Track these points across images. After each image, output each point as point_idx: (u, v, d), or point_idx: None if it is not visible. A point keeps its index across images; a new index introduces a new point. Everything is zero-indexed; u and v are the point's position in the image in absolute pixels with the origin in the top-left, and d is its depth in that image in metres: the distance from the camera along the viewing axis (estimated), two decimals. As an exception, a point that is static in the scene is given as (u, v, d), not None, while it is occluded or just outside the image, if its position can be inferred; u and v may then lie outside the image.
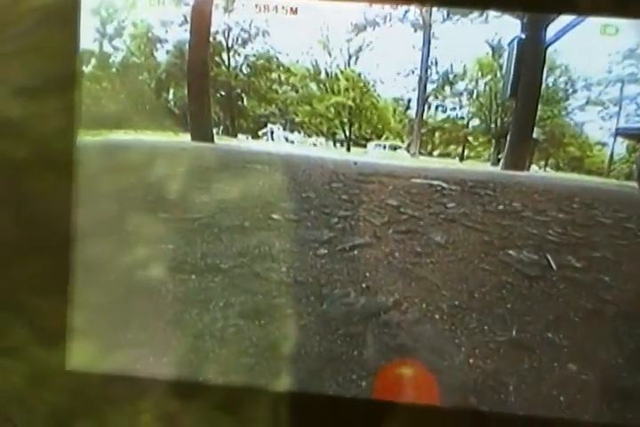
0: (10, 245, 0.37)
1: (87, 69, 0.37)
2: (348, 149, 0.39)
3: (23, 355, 0.38)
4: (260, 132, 0.39)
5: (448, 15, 0.36)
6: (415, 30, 0.36)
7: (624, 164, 0.36)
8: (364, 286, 0.37)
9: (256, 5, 0.36)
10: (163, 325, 0.38)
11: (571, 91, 0.36)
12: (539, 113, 0.36)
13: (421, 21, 0.36)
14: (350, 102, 0.38)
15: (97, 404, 0.38)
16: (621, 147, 0.36)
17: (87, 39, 0.36)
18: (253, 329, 0.36)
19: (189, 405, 0.37)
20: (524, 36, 0.36)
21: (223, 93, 0.39)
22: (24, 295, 0.38)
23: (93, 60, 0.38)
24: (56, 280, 0.37)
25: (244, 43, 0.38)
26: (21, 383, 0.38)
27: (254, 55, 0.38)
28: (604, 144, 0.36)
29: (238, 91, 0.39)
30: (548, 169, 0.38)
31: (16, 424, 0.38)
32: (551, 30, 0.36)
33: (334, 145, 0.39)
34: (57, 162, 0.37)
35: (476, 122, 0.38)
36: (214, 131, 0.39)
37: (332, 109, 0.39)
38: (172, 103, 0.38)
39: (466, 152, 0.38)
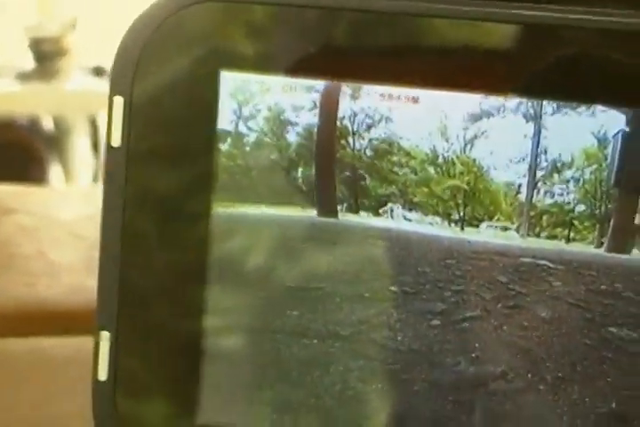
0: (146, 299, 0.50)
1: (223, 147, 0.50)
2: (462, 229, 0.51)
3: (156, 406, 0.54)
4: (380, 210, 0.51)
5: (558, 108, 0.47)
6: (527, 121, 0.48)
7: None
8: (473, 355, 0.49)
9: (380, 94, 0.48)
10: (286, 385, 0.50)
11: None
12: None
13: (532, 113, 0.48)
14: (465, 186, 0.50)
15: None
16: None
17: (224, 120, 0.49)
18: (369, 392, 0.49)
19: None
20: (628, 129, 0.47)
21: (348, 174, 0.51)
22: (157, 346, 0.50)
23: (229, 139, 0.51)
24: (189, 335, 0.50)
25: (369, 128, 0.50)
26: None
27: (377, 139, 0.50)
28: None
29: (361, 172, 0.51)
30: None
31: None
32: None
33: (449, 224, 0.51)
34: (192, 229, 0.53)
35: (581, 207, 0.50)
36: (339, 208, 0.51)
37: (448, 192, 0.51)
38: (300, 181, 0.51)
39: (571, 235, 0.50)
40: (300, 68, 0.49)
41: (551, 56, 0.46)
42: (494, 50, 0.47)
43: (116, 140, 0.50)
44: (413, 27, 0.47)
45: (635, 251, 0.49)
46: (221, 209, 0.50)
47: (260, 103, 0.51)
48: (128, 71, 0.49)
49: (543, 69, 0.46)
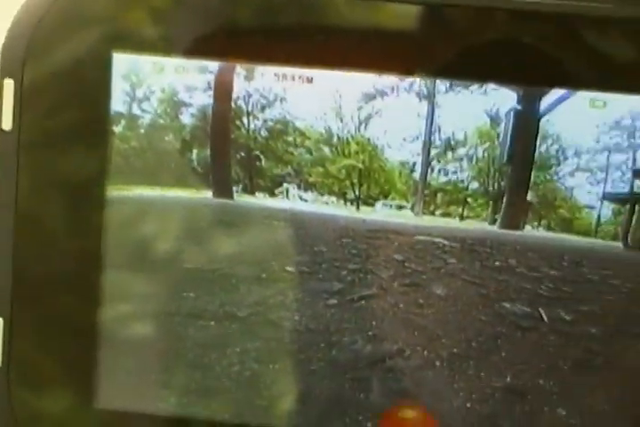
0: (41, 285, 0.49)
1: (117, 129, 0.50)
2: (358, 208, 0.52)
3: (53, 393, 0.55)
4: (276, 191, 0.52)
5: (451, 86, 0.48)
6: (420, 100, 0.49)
7: (610, 225, 0.49)
8: (370, 333, 0.50)
9: (275, 74, 0.49)
10: (183, 367, 0.50)
11: (562, 158, 0.48)
12: (532, 178, 0.49)
13: (426, 92, 0.49)
14: (360, 165, 0.51)
15: None
16: (608, 210, 0.49)
17: (118, 102, 0.49)
18: (267, 373, 0.50)
19: None
20: (519, 108, 0.49)
21: (243, 154, 0.51)
22: (54, 335, 0.50)
23: (123, 122, 0.51)
24: (85, 323, 0.49)
25: (263, 108, 0.51)
26: (50, 421, 0.55)
27: (272, 120, 0.51)
28: (591, 207, 0.49)
29: (257, 152, 0.51)
30: (540, 229, 0.50)
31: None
32: (545, 102, 0.49)
33: (345, 204, 0.52)
34: (87, 214, 0.52)
35: (475, 185, 0.51)
36: (234, 189, 0.52)
37: (343, 171, 0.52)
38: (195, 163, 0.51)
39: (465, 212, 0.51)
40: (194, 48, 0.49)
41: (443, 36, 0.47)
42: (387, 30, 0.48)
43: (7, 124, 0.49)
44: (307, 7, 0.47)
45: (527, 227, 0.51)
46: (116, 192, 0.50)
47: (154, 85, 0.51)
48: (19, 53, 0.49)
49: (436, 49, 0.47)
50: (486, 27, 0.47)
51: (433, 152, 0.52)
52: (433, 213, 0.54)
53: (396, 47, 0.48)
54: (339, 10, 0.47)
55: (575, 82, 0.47)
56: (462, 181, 0.53)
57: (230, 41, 0.49)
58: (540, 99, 0.50)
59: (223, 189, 0.53)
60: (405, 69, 0.49)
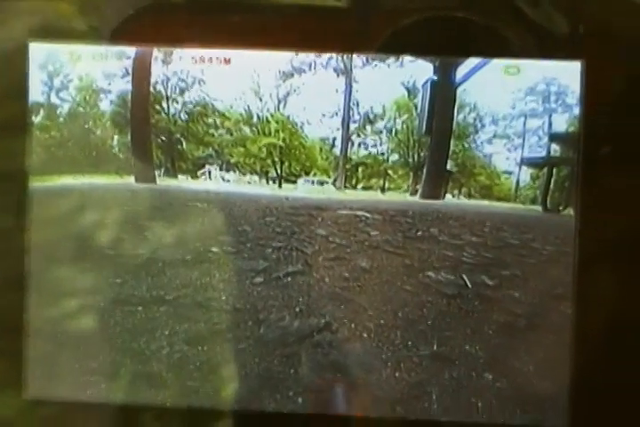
0: None
1: (36, 120, 0.51)
2: (280, 186, 0.54)
3: None
4: (198, 173, 0.53)
5: (367, 61, 0.50)
6: (338, 75, 0.51)
7: (529, 190, 0.52)
8: (297, 309, 0.51)
9: (192, 57, 0.50)
10: (113, 353, 0.51)
11: (479, 126, 0.50)
12: (451, 147, 0.51)
13: (343, 67, 0.51)
14: (280, 143, 0.53)
15: None
16: (526, 175, 0.51)
17: (36, 92, 0.50)
18: (197, 354, 0.51)
19: (143, 425, 0.54)
20: (436, 78, 0.51)
21: (164, 138, 0.53)
22: None
23: (42, 111, 0.52)
24: (11, 312, 0.50)
25: (182, 91, 0.52)
26: None
27: (191, 102, 0.52)
28: (510, 173, 0.51)
29: (178, 136, 0.53)
30: (461, 197, 0.52)
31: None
32: (460, 72, 0.51)
33: (267, 182, 0.54)
34: (10, 206, 0.50)
35: (395, 157, 0.53)
36: (156, 173, 0.53)
37: (264, 150, 0.53)
38: (116, 149, 0.52)
39: (387, 184, 0.53)
40: (111, 35, 0.50)
41: (359, 11, 0.49)
42: (302, 7, 0.49)
43: None
44: None
45: (448, 196, 0.53)
46: (40, 183, 0.51)
47: (71, 73, 0.53)
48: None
49: (352, 24, 0.49)
50: (400, 2, 0.49)
51: (352, 127, 0.55)
52: (355, 187, 0.56)
53: (313, 24, 0.50)
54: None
55: (489, 50, 0.49)
56: (382, 154, 0.55)
57: (147, 26, 0.51)
58: (456, 68, 0.52)
59: (145, 174, 0.54)
60: (322, 46, 0.50)
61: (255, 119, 0.54)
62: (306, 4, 0.49)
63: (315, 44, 0.50)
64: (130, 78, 0.53)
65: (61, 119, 0.54)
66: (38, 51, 0.51)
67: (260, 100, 0.53)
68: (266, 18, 0.49)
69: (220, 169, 0.54)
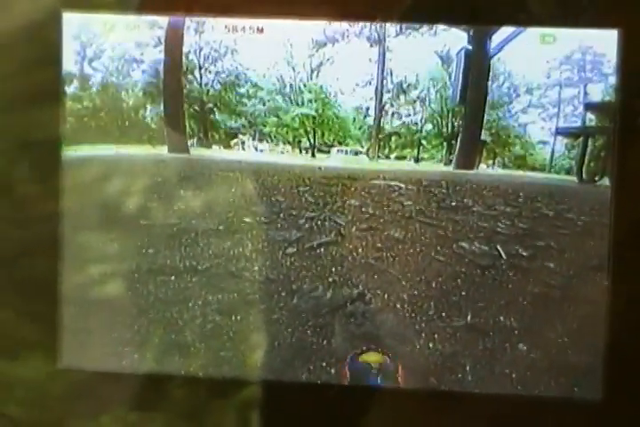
0: (3, 248, 0.52)
1: (69, 90, 0.53)
2: (313, 156, 0.56)
3: (14, 354, 0.52)
4: (231, 143, 0.55)
5: (400, 30, 0.52)
6: (371, 45, 0.53)
7: (564, 160, 0.53)
8: (330, 280, 0.53)
9: (225, 26, 0.51)
10: (146, 323, 0.53)
11: (514, 95, 0.51)
12: (485, 117, 0.52)
13: (376, 36, 0.52)
14: (313, 113, 0.55)
15: (89, 401, 0.53)
16: (561, 145, 0.52)
17: (69, 62, 0.52)
18: (230, 325, 0.52)
19: (174, 395, 0.51)
20: (470, 47, 0.52)
21: (196, 108, 0.54)
22: (12, 295, 0.53)
23: (75, 82, 0.54)
24: (45, 280, 0.52)
25: (215, 61, 0.53)
26: (15, 382, 0.53)
27: (224, 72, 0.54)
28: (545, 143, 0.52)
29: (210, 105, 0.54)
30: (495, 167, 0.54)
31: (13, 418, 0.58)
32: (495, 41, 0.52)
33: (300, 152, 0.55)
34: (44, 174, 0.52)
35: (428, 127, 0.54)
36: (189, 143, 0.55)
37: (297, 120, 0.55)
38: (149, 119, 0.53)
39: (420, 154, 0.54)
40: (143, 4, 0.52)
41: None
42: None
43: (-43, 88, 0.50)
44: None
45: (482, 166, 0.54)
46: (73, 153, 0.53)
47: (104, 43, 0.54)
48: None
49: None
50: None
51: (385, 96, 0.56)
52: (388, 157, 0.58)
53: None
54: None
55: (524, 19, 0.50)
56: (416, 124, 0.57)
57: None
58: (491, 37, 0.53)
59: (178, 144, 0.56)
60: (354, 14, 0.52)
61: (288, 89, 0.55)
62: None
63: (347, 13, 0.51)
64: (162, 48, 0.55)
65: (94, 89, 0.55)
66: (71, 21, 0.53)
67: (293, 69, 0.54)
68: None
69: (253, 139, 0.56)
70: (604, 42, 0.50)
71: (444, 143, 0.56)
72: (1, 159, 0.53)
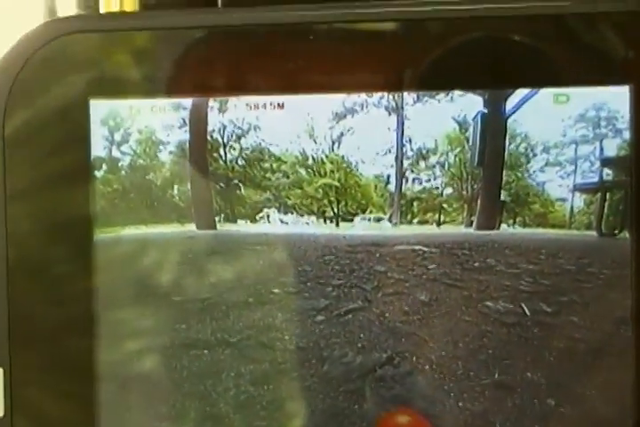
0: (38, 330, 0.65)
1: (99, 174, 0.68)
2: (337, 225, 0.68)
3: None
4: (257, 217, 0.67)
5: (418, 98, 0.65)
6: (389, 114, 0.67)
7: (583, 215, 0.65)
8: (359, 345, 0.66)
9: (247, 104, 0.65)
10: (180, 397, 0.66)
11: (531, 155, 0.63)
12: (504, 177, 0.64)
13: (394, 105, 0.66)
14: (336, 183, 0.67)
15: None
16: (580, 200, 0.65)
17: (97, 147, 0.66)
18: (263, 394, 0.66)
19: None
20: (486, 111, 0.66)
21: (222, 185, 0.66)
22: (53, 375, 0.65)
23: (104, 166, 0.69)
24: (85, 362, 0.65)
25: (238, 138, 0.67)
26: None
27: (248, 148, 0.66)
28: (564, 200, 0.64)
29: (236, 181, 0.66)
30: (516, 226, 0.66)
31: None
32: (510, 103, 0.65)
33: (324, 222, 0.67)
34: (77, 259, 0.66)
35: (449, 190, 0.66)
36: (216, 219, 0.67)
37: (321, 190, 0.67)
38: (177, 198, 0.66)
39: (442, 218, 0.66)
40: (167, 88, 0.67)
41: (406, 50, 0.65)
42: (351, 49, 0.66)
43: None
44: (270, 35, 0.66)
45: (503, 226, 0.67)
46: (104, 234, 0.67)
47: (131, 127, 0.69)
48: (-1, 107, 0.55)
49: (401, 63, 0.64)
50: (446, 37, 0.65)
51: (406, 163, 0.69)
52: (410, 222, 0.70)
53: (362, 65, 0.66)
54: (301, 37, 0.65)
55: (538, 80, 0.64)
56: (437, 188, 0.69)
57: (199, 76, 0.68)
58: (506, 100, 0.66)
59: (206, 221, 0.70)
60: (372, 86, 0.66)
61: (310, 161, 0.68)
62: (353, 45, 0.66)
63: (365, 85, 0.66)
64: (187, 128, 0.69)
65: (123, 172, 0.69)
66: (98, 107, 0.67)
67: (315, 142, 0.67)
68: (316, 62, 0.66)
69: (279, 211, 0.68)
70: (617, 98, 0.62)
71: (465, 205, 0.69)
72: (36, 240, 0.68)
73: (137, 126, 0.74)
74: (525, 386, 0.67)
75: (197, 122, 0.74)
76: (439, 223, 0.75)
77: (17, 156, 0.72)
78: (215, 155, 0.76)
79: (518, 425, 0.66)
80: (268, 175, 0.76)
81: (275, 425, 0.71)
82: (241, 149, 0.76)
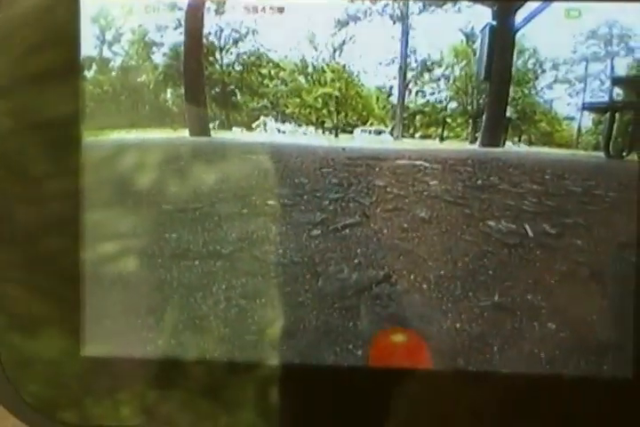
0: (24, 228, 0.63)
1: (89, 74, 0.63)
2: (337, 136, 0.65)
3: (41, 338, 0.61)
4: (253, 125, 0.64)
5: (424, 7, 0.61)
6: (394, 22, 0.63)
7: (591, 135, 0.63)
8: (355, 262, 0.63)
9: (245, 7, 0.61)
10: (170, 309, 0.62)
11: (539, 71, 0.60)
12: (511, 93, 0.61)
13: (399, 13, 0.62)
14: (336, 92, 0.64)
15: (112, 387, 0.62)
16: (588, 120, 0.62)
17: (88, 46, 0.61)
18: (254, 308, 0.63)
19: (198, 381, 0.62)
20: (494, 23, 0.62)
21: (218, 90, 0.63)
22: (34, 274, 0.63)
23: (94, 66, 0.64)
24: (71, 263, 0.63)
25: (236, 42, 0.62)
26: (39, 368, 0.61)
27: (245, 53, 0.62)
28: (572, 119, 0.62)
29: (232, 87, 0.63)
30: (521, 144, 0.63)
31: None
32: (519, 16, 0.62)
33: (323, 133, 0.65)
34: (65, 162, 0.62)
35: (453, 104, 0.63)
36: (210, 125, 0.64)
37: (320, 100, 0.64)
38: (169, 102, 0.62)
39: (445, 133, 0.64)
40: None
41: None
42: None
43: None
44: None
45: (508, 143, 0.65)
46: (93, 136, 0.64)
47: (123, 26, 0.65)
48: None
49: None
50: None
51: (409, 74, 0.66)
52: (413, 136, 0.68)
53: None
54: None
55: None
56: (440, 102, 0.67)
57: None
58: (515, 13, 0.64)
59: (200, 127, 0.67)
60: None
61: (310, 69, 0.65)
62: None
63: None
64: (182, 30, 0.65)
65: (114, 73, 0.66)
66: (89, 4, 0.64)
67: (315, 49, 0.64)
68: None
69: (276, 120, 0.65)
70: (631, 15, 0.59)
71: (470, 121, 0.67)
72: (18, 138, 0.65)
73: (130, 26, 0.69)
74: (525, 309, 0.65)
75: (193, 23, 0.69)
76: (442, 138, 0.73)
77: (4, 52, 0.67)
78: (211, 59, 0.71)
79: (517, 349, 0.63)
80: (265, 82, 0.72)
81: (266, 340, 0.67)
82: (238, 53, 0.71)
